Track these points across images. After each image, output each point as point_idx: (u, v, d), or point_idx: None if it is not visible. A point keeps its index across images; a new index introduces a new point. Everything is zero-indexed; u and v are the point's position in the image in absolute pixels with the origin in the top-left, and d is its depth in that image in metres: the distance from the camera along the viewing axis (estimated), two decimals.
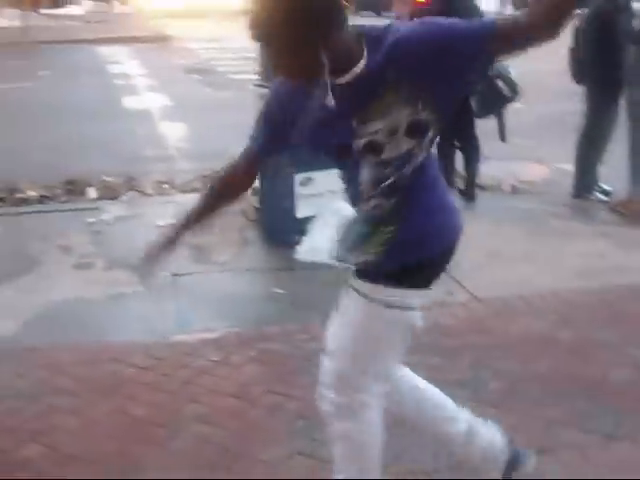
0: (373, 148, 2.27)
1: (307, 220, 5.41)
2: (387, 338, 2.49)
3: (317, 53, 2.07)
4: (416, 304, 2.44)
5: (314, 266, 5.08)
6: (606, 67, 6.60)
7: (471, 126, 6.75)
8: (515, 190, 7.46)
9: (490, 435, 2.86)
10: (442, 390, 2.84)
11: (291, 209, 5.53)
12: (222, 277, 5.13)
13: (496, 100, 6.41)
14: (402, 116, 2.19)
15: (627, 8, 6.72)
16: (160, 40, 20.64)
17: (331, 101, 2.15)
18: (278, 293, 4.87)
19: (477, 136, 6.83)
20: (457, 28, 2.15)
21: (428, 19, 2.21)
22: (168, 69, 15.04)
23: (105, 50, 18.46)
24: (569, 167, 7.91)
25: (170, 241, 2.62)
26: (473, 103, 6.38)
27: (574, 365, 4.02)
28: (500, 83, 6.32)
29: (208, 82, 13.92)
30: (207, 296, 4.84)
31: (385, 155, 2.28)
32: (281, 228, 5.59)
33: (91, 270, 5.26)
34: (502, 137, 6.71)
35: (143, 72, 14.89)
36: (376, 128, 2.23)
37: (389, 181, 2.33)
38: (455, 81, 2.20)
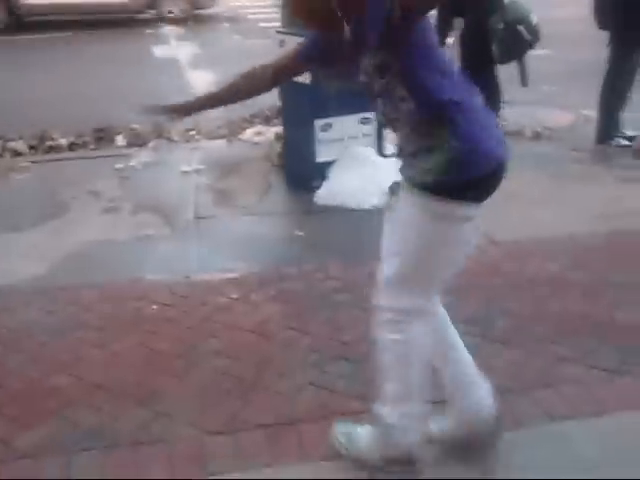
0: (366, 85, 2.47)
1: (328, 165, 5.60)
2: (437, 250, 2.51)
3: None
4: (465, 215, 2.47)
5: (334, 209, 5.29)
6: (629, 12, 6.57)
7: (492, 71, 6.77)
8: (538, 136, 7.47)
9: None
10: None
11: (312, 154, 5.63)
12: (244, 220, 5.27)
13: (518, 45, 6.42)
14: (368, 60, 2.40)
15: None
16: None
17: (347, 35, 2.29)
18: (298, 235, 5.00)
19: (498, 82, 6.84)
20: None
21: None
22: (197, 17, 15.05)
23: None
24: (594, 114, 7.91)
25: (188, 105, 2.89)
26: (494, 49, 6.39)
27: (583, 305, 4.12)
28: (521, 28, 6.33)
29: (237, 30, 13.95)
30: (229, 238, 4.98)
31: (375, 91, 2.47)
32: (303, 173, 5.72)
33: (118, 214, 5.43)
34: (524, 82, 6.71)
35: (172, 21, 14.93)
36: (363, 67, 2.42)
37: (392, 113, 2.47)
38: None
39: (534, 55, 10.44)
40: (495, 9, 6.38)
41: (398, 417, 2.69)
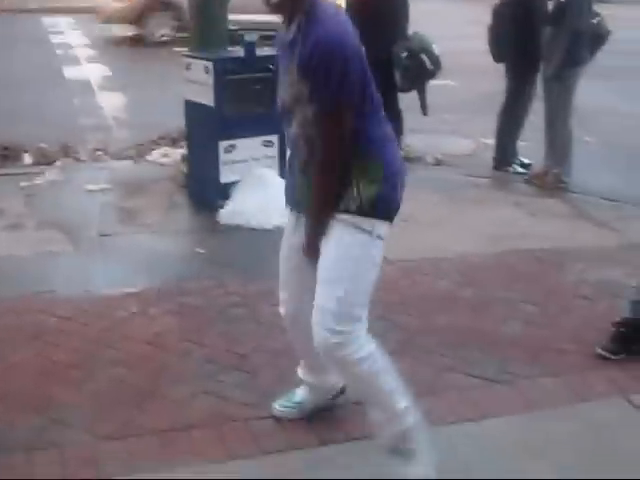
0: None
1: (231, 185, 5.74)
2: (368, 266, 2.76)
3: None
4: (385, 233, 2.77)
5: (236, 228, 5.43)
6: (523, 45, 6.93)
7: (395, 99, 7.02)
8: (438, 162, 7.77)
9: None
10: None
11: (216, 175, 5.77)
12: (147, 238, 5.37)
13: (420, 74, 6.69)
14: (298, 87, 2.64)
15: None
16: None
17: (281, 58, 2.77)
18: (199, 253, 5.12)
19: (400, 109, 7.10)
20: (329, 84, 2.54)
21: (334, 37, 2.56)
22: (109, 40, 15.06)
23: (48, 20, 18.35)
24: (493, 142, 8.28)
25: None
26: (397, 76, 6.63)
27: (470, 320, 4.34)
28: (424, 57, 6.61)
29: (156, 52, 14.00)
30: (131, 255, 5.07)
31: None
32: (207, 193, 5.85)
33: (22, 230, 5.46)
34: (424, 111, 7.00)
35: (84, 42, 14.92)
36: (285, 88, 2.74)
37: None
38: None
39: (438, 85, 10.86)
40: (398, 38, 6.66)
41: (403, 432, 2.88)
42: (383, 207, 2.72)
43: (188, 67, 5.85)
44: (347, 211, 2.68)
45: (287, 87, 2.71)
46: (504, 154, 7.47)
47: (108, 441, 3.13)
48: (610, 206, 6.52)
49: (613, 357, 3.99)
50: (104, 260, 4.97)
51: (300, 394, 3.33)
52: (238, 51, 5.88)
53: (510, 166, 7.48)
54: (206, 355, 3.81)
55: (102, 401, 3.40)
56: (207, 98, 5.61)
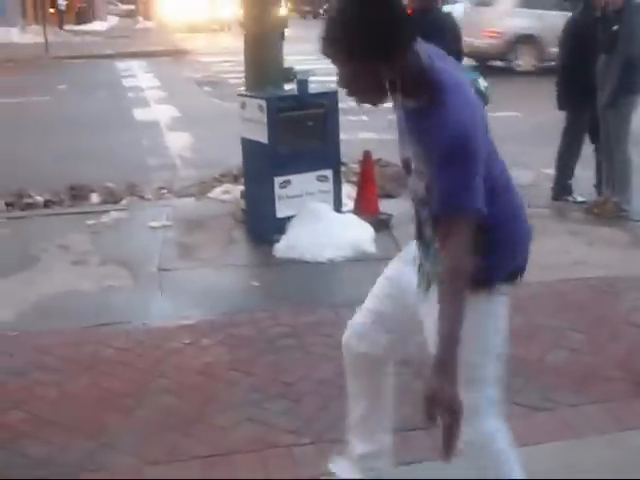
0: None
1: (287, 220, 5.89)
2: (485, 334, 2.52)
3: (377, 76, 2.26)
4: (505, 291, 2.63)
5: (290, 262, 5.56)
6: (576, 75, 6.96)
7: None
8: None
9: None
10: None
11: (272, 210, 5.92)
12: (204, 272, 5.53)
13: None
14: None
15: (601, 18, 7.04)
16: (176, 54, 21.20)
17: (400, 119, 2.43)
18: (254, 286, 5.26)
19: None
20: (462, 173, 2.23)
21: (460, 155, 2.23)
22: (180, 81, 15.53)
23: (122, 64, 19.01)
24: (553, 172, 8.27)
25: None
26: None
27: (516, 348, 4.34)
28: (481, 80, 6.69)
29: (218, 94, 14.36)
30: (188, 289, 5.24)
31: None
32: (263, 228, 6.00)
33: (86, 266, 5.68)
34: None
35: (155, 85, 15.39)
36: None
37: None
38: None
39: (503, 116, 10.89)
40: None
41: None
42: (494, 271, 2.50)
43: (243, 106, 6.04)
44: None
45: (411, 153, 2.42)
46: (563, 183, 7.47)
47: (153, 465, 3.27)
48: None
49: None
50: (162, 294, 5.14)
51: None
52: (292, 89, 6.06)
53: (570, 195, 7.47)
54: (253, 384, 3.93)
55: (150, 428, 3.55)
56: (261, 135, 5.78)
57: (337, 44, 2.22)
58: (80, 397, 3.83)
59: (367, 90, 2.33)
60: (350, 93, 2.34)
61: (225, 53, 22.24)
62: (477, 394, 2.49)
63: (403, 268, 2.73)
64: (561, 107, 7.33)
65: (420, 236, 2.56)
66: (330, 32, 2.22)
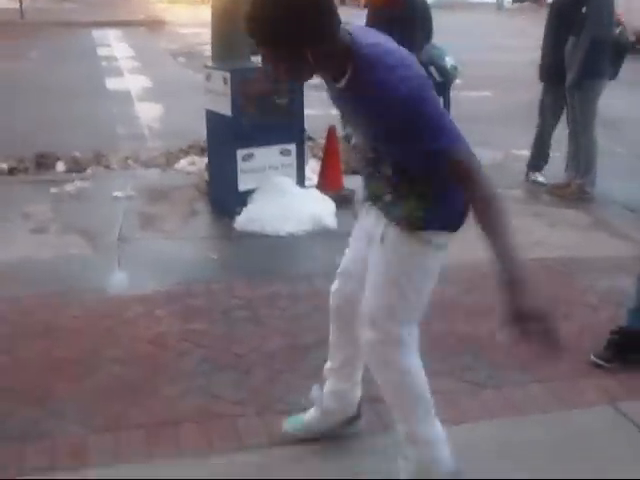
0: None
1: (249, 193, 5.89)
2: (424, 280, 2.75)
3: (302, 60, 2.35)
4: (445, 243, 2.76)
5: (251, 235, 5.58)
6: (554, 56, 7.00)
7: None
8: None
9: None
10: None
11: (234, 183, 5.92)
12: (164, 243, 5.54)
13: (438, 84, 6.78)
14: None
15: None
16: (154, 24, 21.01)
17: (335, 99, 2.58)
18: (213, 258, 5.27)
19: None
20: (418, 134, 2.36)
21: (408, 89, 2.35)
22: (155, 52, 15.41)
23: (98, 33, 18.86)
24: (522, 152, 8.33)
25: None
26: None
27: (467, 326, 4.41)
28: (432, 69, 6.71)
29: (192, 65, 14.26)
30: (146, 259, 5.24)
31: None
32: (225, 200, 6.00)
33: (45, 234, 5.67)
34: None
35: (130, 54, 15.28)
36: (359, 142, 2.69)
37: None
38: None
39: (475, 96, 10.95)
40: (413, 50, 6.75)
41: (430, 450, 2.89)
42: (438, 219, 2.66)
43: (208, 77, 6.03)
44: (406, 222, 2.64)
45: (356, 126, 2.65)
46: (535, 162, 7.52)
47: (98, 433, 3.28)
48: (632, 217, 6.52)
49: (606, 365, 4.03)
50: (120, 264, 5.13)
51: (311, 415, 3.27)
52: (257, 62, 6.04)
53: (537, 172, 7.51)
54: (203, 355, 3.95)
55: (98, 396, 3.56)
56: (225, 108, 5.77)
57: (262, 28, 2.30)
58: (30, 364, 3.83)
59: (290, 72, 2.47)
60: (274, 72, 2.45)
61: (203, 25, 21.99)
62: (404, 329, 2.74)
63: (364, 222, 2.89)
64: (540, 78, 7.34)
65: (370, 193, 2.76)
66: (256, 16, 2.28)
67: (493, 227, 2.43)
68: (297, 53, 2.33)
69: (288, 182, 5.91)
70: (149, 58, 14.47)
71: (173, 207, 6.25)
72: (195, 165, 7.25)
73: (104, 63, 13.36)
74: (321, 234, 5.62)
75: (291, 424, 3.29)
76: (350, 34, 2.41)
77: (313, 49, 2.33)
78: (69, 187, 6.77)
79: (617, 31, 6.78)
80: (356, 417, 3.29)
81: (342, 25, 2.40)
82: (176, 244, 5.53)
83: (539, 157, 7.52)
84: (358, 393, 3.24)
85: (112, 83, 12.15)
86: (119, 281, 4.85)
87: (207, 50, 16.24)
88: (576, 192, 6.99)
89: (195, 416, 3.42)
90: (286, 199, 5.73)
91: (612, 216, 6.53)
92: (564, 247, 5.71)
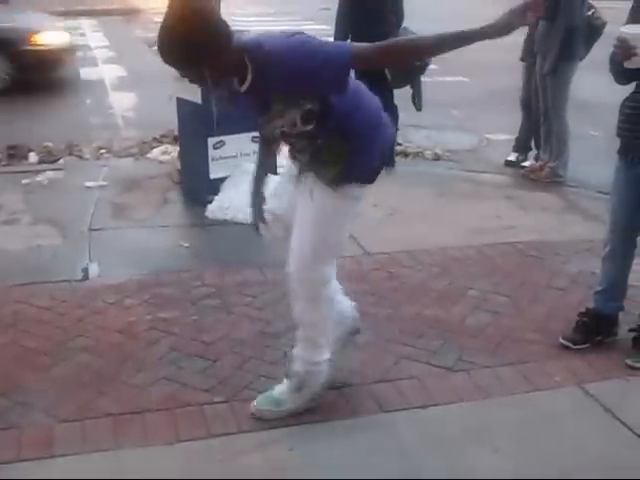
0: (282, 135, 3.08)
1: (221, 181, 5.87)
2: (341, 223, 3.25)
3: (202, 72, 2.78)
4: (360, 195, 3.22)
5: (222, 223, 5.56)
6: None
7: (389, 96, 7.10)
8: (437, 157, 7.83)
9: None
10: None
11: (206, 171, 5.90)
12: (135, 232, 5.51)
13: (408, 70, 6.77)
14: (294, 113, 2.93)
15: None
16: (129, 12, 20.83)
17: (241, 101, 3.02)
18: (183, 246, 5.25)
19: (395, 105, 7.17)
20: (319, 58, 2.79)
21: (295, 40, 2.86)
22: (130, 41, 15.27)
23: (72, 22, 18.65)
24: (497, 137, 8.37)
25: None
26: (387, 73, 6.70)
27: (438, 310, 4.44)
28: None
29: None
30: (117, 248, 5.22)
31: (294, 138, 3.12)
32: (197, 188, 5.99)
33: (16, 225, 5.63)
34: (418, 106, 7.07)
35: (104, 44, 15.14)
36: (279, 125, 3.00)
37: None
38: (322, 89, 2.91)
39: (450, 82, 10.95)
40: (388, 35, 6.73)
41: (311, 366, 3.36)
42: (353, 175, 3.12)
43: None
44: (325, 179, 3.11)
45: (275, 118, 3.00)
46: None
47: (65, 423, 3.28)
48: (605, 200, 6.50)
49: (575, 347, 4.06)
50: (90, 253, 5.11)
51: (278, 390, 3.44)
52: None
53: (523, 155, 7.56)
54: (172, 343, 3.95)
55: (65, 386, 3.55)
56: (195, 95, 5.74)
57: (169, 56, 2.74)
58: None
59: (200, 82, 3.01)
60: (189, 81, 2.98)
61: None
62: (326, 267, 3.24)
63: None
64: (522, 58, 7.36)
65: (300, 164, 3.23)
66: (162, 46, 2.73)
67: (440, 43, 2.85)
68: (198, 71, 2.79)
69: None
70: (124, 47, 14.34)
71: (145, 196, 6.22)
72: (168, 154, 7.23)
73: (79, 53, 13.22)
74: None
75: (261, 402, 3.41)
76: (244, 43, 2.85)
77: (210, 67, 2.76)
78: (41, 177, 6.72)
79: (590, 12, 6.78)
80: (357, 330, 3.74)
81: (236, 37, 2.83)
82: (147, 233, 5.51)
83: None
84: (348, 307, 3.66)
85: (86, 73, 12.04)
86: (89, 271, 4.82)
87: None
88: (549, 175, 7.03)
89: (163, 404, 3.42)
90: None
91: (585, 199, 6.58)
92: (536, 230, 5.74)
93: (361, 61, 2.87)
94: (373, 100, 3.18)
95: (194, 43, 2.68)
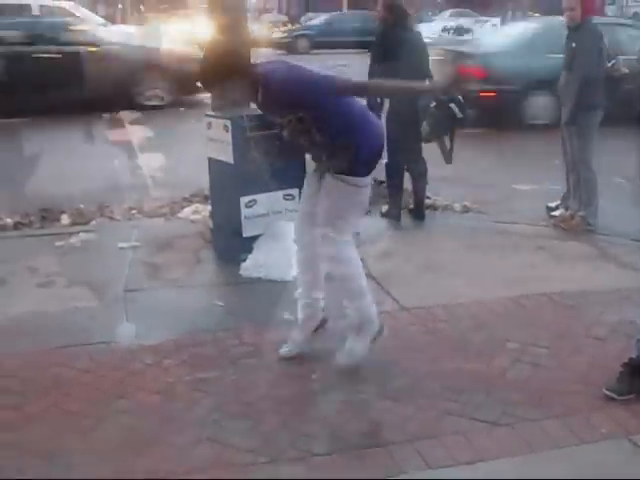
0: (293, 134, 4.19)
1: (254, 239, 5.90)
2: (354, 205, 4.23)
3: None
4: (366, 183, 4.20)
5: (257, 281, 5.57)
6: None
7: (418, 149, 7.16)
8: (467, 210, 7.84)
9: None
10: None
11: (238, 229, 5.93)
12: (170, 292, 5.52)
13: (449, 122, 6.81)
14: (289, 116, 4.04)
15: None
16: None
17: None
18: (219, 305, 5.26)
19: (424, 158, 7.22)
20: (306, 83, 4.02)
21: (286, 68, 4.15)
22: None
23: None
24: (524, 187, 8.38)
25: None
26: (424, 126, 6.75)
27: (478, 364, 4.40)
28: (453, 106, 6.75)
29: (192, 114, 14.36)
30: (153, 309, 5.22)
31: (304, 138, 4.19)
32: (230, 247, 6.02)
33: (52, 287, 5.67)
34: (449, 159, 7.09)
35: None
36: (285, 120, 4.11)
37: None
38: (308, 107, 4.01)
39: (473, 133, 10.97)
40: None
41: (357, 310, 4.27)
42: (359, 168, 4.10)
43: (209, 126, 6.07)
44: (337, 172, 4.08)
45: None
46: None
47: None
48: (637, 247, 6.51)
49: (619, 398, 4.01)
50: (127, 315, 5.12)
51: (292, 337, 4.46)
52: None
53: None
54: (213, 403, 3.93)
55: (107, 448, 3.55)
56: (227, 155, 5.80)
57: (212, 81, 4.21)
58: (39, 419, 3.82)
59: (236, 95, 4.44)
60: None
61: None
62: (347, 235, 4.21)
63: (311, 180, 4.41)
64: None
65: (315, 161, 4.37)
66: (205, 74, 4.16)
67: (391, 89, 4.84)
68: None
69: (291, 226, 5.91)
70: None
71: (178, 256, 6.25)
72: (199, 213, 7.28)
73: (105, 115, 13.44)
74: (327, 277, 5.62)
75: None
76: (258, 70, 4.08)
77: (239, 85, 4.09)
78: (74, 239, 6.78)
79: (610, 64, 6.83)
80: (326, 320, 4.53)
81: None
82: (182, 293, 5.52)
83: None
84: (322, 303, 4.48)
85: (113, 134, 12.22)
86: (126, 332, 4.83)
87: (206, 98, 16.41)
88: (580, 224, 7.01)
89: (207, 465, 3.40)
90: (290, 243, 5.72)
91: (616, 247, 6.54)
92: (571, 280, 5.71)
93: (344, 90, 4.12)
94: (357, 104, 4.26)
95: (230, 72, 3.98)
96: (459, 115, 6.79)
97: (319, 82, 4.04)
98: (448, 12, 43.68)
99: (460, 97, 6.83)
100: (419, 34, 7.54)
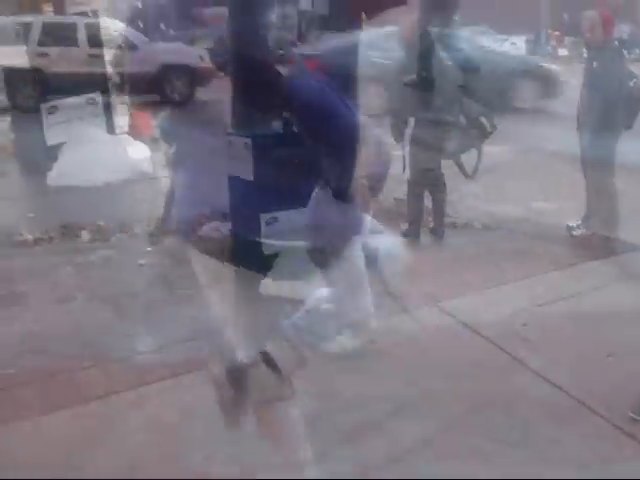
0: None
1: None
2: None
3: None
4: None
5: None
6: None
7: (438, 167, 7.15)
8: (486, 227, 7.80)
9: None
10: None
11: (258, 246, 5.90)
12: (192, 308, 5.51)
13: (479, 136, 6.85)
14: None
15: None
16: None
17: None
18: None
19: (442, 173, 7.21)
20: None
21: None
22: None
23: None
24: (545, 205, 8.33)
25: None
26: (450, 142, 6.76)
27: (497, 386, 4.37)
28: (483, 119, 6.78)
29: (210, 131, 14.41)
30: (174, 324, 5.21)
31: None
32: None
33: (70, 303, 5.68)
34: (470, 173, 7.12)
35: None
36: None
37: None
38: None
39: (493, 150, 10.93)
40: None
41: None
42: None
43: (230, 144, 6.05)
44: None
45: None
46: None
47: None
48: None
49: None
50: (146, 328, 5.13)
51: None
52: (278, 127, 6.05)
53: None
54: None
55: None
56: (247, 173, 5.78)
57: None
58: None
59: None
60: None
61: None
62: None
63: None
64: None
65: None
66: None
67: None
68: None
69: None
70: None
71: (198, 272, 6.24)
72: (218, 231, 7.26)
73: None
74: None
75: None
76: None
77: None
78: (94, 256, 6.80)
79: (631, 83, 6.80)
80: None
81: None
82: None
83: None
84: None
85: (132, 151, 12.24)
86: (146, 344, 4.85)
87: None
88: (601, 243, 6.97)
89: None
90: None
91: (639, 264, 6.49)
92: (595, 298, 5.67)
93: None
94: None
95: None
96: (490, 129, 6.83)
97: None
98: (466, 30, 43.72)
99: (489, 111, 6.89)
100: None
